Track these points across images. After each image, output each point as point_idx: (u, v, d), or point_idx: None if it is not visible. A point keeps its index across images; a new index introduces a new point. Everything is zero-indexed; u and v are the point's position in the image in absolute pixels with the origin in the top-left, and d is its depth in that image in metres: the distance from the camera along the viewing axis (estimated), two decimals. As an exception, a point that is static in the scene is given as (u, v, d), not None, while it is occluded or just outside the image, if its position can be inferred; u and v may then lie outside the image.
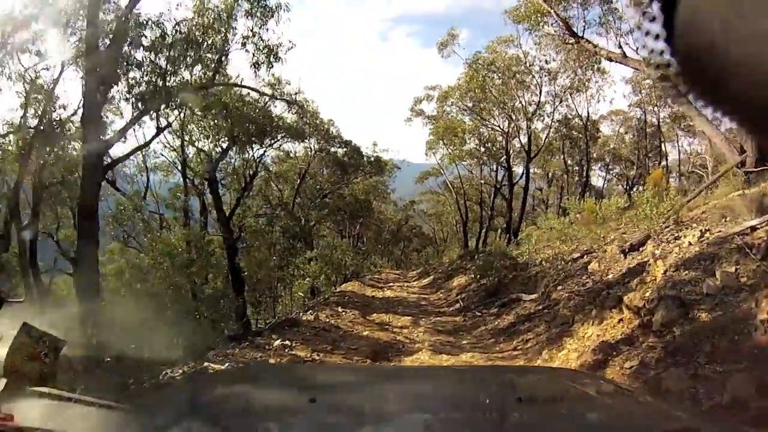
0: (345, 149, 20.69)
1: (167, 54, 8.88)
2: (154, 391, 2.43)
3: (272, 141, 16.16)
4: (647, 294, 5.20)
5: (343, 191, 22.66)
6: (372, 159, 22.11)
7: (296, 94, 15.19)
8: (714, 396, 3.43)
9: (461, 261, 18.24)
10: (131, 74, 8.69)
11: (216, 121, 12.82)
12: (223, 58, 10.02)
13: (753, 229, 5.33)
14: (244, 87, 12.03)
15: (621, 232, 8.84)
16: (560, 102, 19.95)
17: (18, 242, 12.03)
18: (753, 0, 0.39)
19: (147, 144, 12.04)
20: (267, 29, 9.94)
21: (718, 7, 0.40)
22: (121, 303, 8.45)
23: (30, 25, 10.29)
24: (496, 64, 18.26)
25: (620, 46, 12.17)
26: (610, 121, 24.05)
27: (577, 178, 23.54)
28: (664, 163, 21.11)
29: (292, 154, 20.67)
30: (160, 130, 10.98)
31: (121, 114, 11.72)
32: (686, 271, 5.20)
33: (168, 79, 9.00)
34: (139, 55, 8.77)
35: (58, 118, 11.32)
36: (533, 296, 8.55)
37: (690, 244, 5.86)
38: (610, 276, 6.84)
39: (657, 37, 0.44)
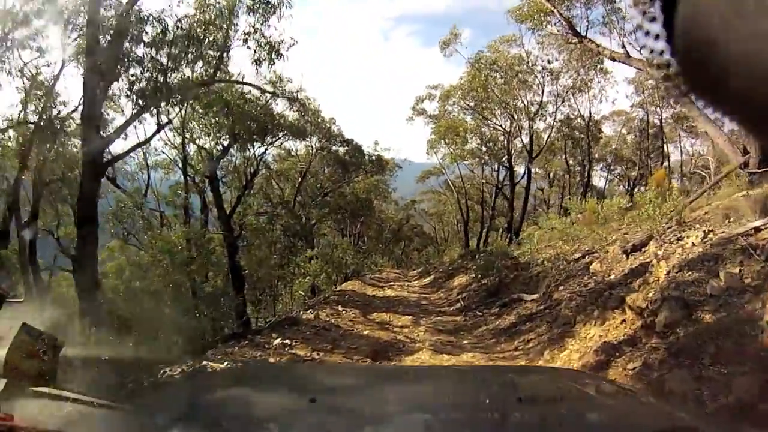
0: (346, 148, 20.63)
1: (168, 50, 8.83)
2: (153, 391, 2.41)
3: (273, 139, 16.12)
4: (650, 295, 5.16)
5: (344, 190, 22.61)
6: (373, 158, 22.04)
7: (298, 92, 15.13)
8: (719, 398, 3.39)
9: (462, 260, 18.22)
10: (132, 71, 8.64)
11: (217, 119, 12.78)
12: (224, 55, 9.97)
13: (757, 230, 5.29)
14: (246, 84, 11.99)
15: (623, 232, 8.80)
16: (562, 102, 19.92)
17: (18, 239, 12.01)
18: (753, 0, 0.38)
19: (147, 141, 12.01)
20: (269, 26, 9.91)
21: (718, 6, 0.40)
22: (121, 301, 8.41)
23: (31, 21, 10.28)
24: (499, 64, 18.20)
25: (623, 46, 12.11)
26: (612, 122, 24.04)
27: (578, 179, 23.51)
28: (666, 163, 21.06)
29: (293, 153, 20.64)
30: (160, 127, 10.92)
31: (122, 111, 11.71)
32: (690, 272, 5.16)
33: (169, 75, 8.95)
34: (140, 51, 8.74)
35: (58, 115, 11.29)
36: (534, 296, 8.51)
37: (693, 244, 5.82)
38: (612, 276, 6.80)
39: (657, 37, 0.44)
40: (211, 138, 13.73)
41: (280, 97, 14.34)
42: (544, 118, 20.05)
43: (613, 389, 2.02)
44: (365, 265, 24.99)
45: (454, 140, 22.10)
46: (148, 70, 8.65)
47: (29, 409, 1.30)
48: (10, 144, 11.68)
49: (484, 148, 21.78)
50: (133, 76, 8.68)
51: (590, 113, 20.79)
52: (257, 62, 9.88)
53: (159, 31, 8.69)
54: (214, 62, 9.86)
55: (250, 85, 12.18)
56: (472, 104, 20.24)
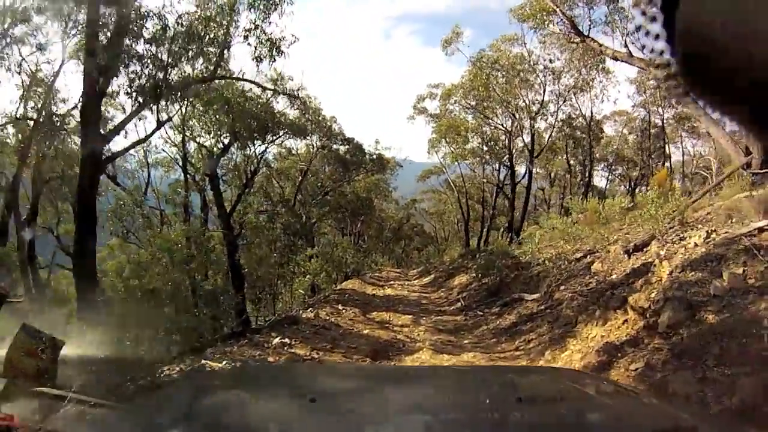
0: (347, 147, 20.59)
1: (169, 47, 8.79)
2: (151, 391, 2.39)
3: (274, 137, 16.06)
4: (653, 295, 5.13)
5: (345, 189, 22.56)
6: (374, 157, 21.99)
7: (299, 90, 15.09)
8: (722, 399, 3.35)
9: (462, 260, 18.19)
10: (132, 67, 8.60)
11: (218, 117, 12.73)
12: (224, 52, 9.92)
13: (761, 230, 5.25)
14: (246, 81, 11.94)
15: (624, 232, 8.76)
16: (564, 101, 19.85)
17: (17, 237, 11.98)
18: (753, 0, 0.38)
19: (147, 138, 11.96)
20: (269, 22, 9.86)
21: (718, 7, 0.40)
22: (120, 299, 8.38)
23: (31, 17, 10.24)
24: (500, 63, 18.15)
25: (626, 45, 12.07)
26: (614, 122, 23.98)
27: (579, 178, 23.46)
28: (667, 164, 21.00)
29: (294, 151, 20.60)
30: (160, 125, 10.89)
31: (123, 109, 11.67)
32: (692, 272, 5.12)
33: (169, 72, 8.90)
34: (140, 48, 8.69)
35: (56, 112, 11.25)
36: (535, 296, 8.48)
37: (696, 245, 5.78)
38: (614, 276, 6.77)
39: (657, 37, 0.44)
40: (211, 136, 13.69)
41: (281, 94, 14.28)
42: (545, 117, 20.00)
43: (614, 389, 2.01)
44: (365, 264, 24.95)
45: (455, 139, 22.05)
46: (147, 67, 8.61)
47: (30, 409, 1.31)
48: (9, 141, 11.65)
49: (485, 148, 21.74)
50: (133, 73, 8.65)
51: (592, 113, 20.76)
52: (258, 59, 9.84)
53: (159, 27, 8.65)
54: (215, 59, 9.81)
55: (251, 82, 12.14)
56: (473, 103, 20.19)
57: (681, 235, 6.36)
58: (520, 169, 21.46)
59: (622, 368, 4.28)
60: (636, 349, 4.48)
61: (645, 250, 6.81)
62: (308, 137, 18.59)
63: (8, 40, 10.01)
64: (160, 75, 8.71)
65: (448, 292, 13.90)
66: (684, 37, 0.42)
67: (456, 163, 24.55)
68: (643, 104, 21.50)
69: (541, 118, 19.81)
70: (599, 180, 24.97)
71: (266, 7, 9.60)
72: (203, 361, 5.13)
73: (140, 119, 12.27)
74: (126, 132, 11.74)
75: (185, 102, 11.46)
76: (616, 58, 12.25)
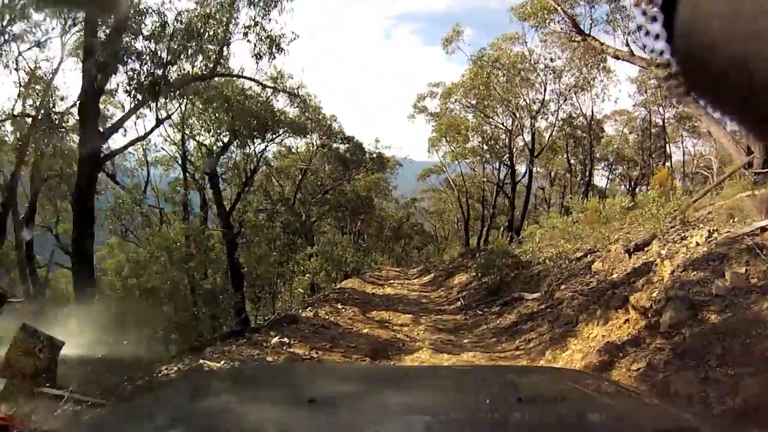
0: (347, 145, 20.55)
1: (168, 44, 8.74)
2: (148, 391, 2.37)
3: (274, 136, 16.01)
4: (654, 294, 5.10)
5: (345, 187, 22.51)
6: (374, 155, 21.96)
7: (298, 88, 15.05)
8: (725, 400, 3.32)
9: (462, 259, 18.17)
10: (130, 65, 8.55)
11: (217, 115, 12.69)
12: (224, 49, 9.87)
13: (763, 229, 5.22)
14: (245, 78, 11.90)
15: (625, 231, 8.73)
16: (565, 100, 19.80)
17: (15, 235, 11.94)
18: (753, 0, 0.38)
19: (146, 136, 11.94)
20: (269, 19, 9.82)
21: (718, 7, 0.40)
22: (118, 298, 8.35)
23: (29, 14, 10.20)
24: (501, 61, 18.10)
25: (627, 44, 12.02)
26: (614, 121, 23.93)
27: (579, 178, 23.42)
28: (668, 164, 20.97)
29: (293, 150, 20.55)
30: (159, 122, 10.85)
31: (122, 107, 11.63)
32: (694, 272, 5.10)
33: (168, 70, 8.86)
34: (139, 45, 8.65)
35: (53, 108, 11.20)
36: (536, 295, 8.45)
37: (698, 244, 5.75)
38: (615, 276, 6.73)
39: (657, 37, 0.44)
40: (211, 134, 13.63)
41: (280, 91, 14.24)
42: (546, 116, 19.94)
43: (615, 390, 1.99)
44: (365, 263, 24.93)
45: (456, 138, 22.01)
46: (146, 64, 8.56)
47: (30, 409, 1.34)
48: (7, 138, 11.61)
49: (485, 147, 21.68)
50: (131, 70, 8.60)
51: (592, 112, 20.71)
52: (257, 56, 9.79)
53: (158, 24, 8.61)
54: (214, 57, 9.76)
55: (251, 79, 12.10)
56: (473, 102, 20.13)
57: (682, 235, 6.33)
58: (521, 168, 21.44)
59: (624, 368, 4.25)
60: (638, 349, 4.45)
61: (646, 249, 6.78)
62: (308, 136, 18.57)
63: (6, 37, 9.96)
64: (159, 72, 8.66)
65: (448, 291, 13.87)
66: (684, 37, 0.42)
67: (456, 162, 24.53)
68: (644, 103, 21.46)
69: (541, 117, 19.78)
70: (599, 179, 24.97)
71: (266, 4, 9.56)
72: (201, 361, 5.10)
73: (139, 117, 12.27)
74: (125, 130, 11.74)
75: (184, 100, 11.42)
76: (617, 57, 12.21)
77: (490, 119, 20.66)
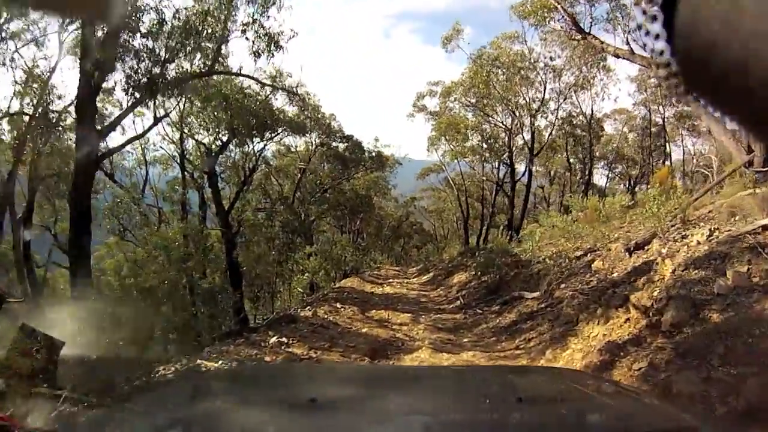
0: (346, 144, 20.52)
1: (166, 42, 8.69)
2: (146, 391, 2.36)
3: (273, 135, 15.97)
4: (655, 293, 5.07)
5: (344, 186, 22.49)
6: (373, 154, 21.93)
7: (297, 86, 15.02)
8: (728, 400, 3.29)
9: (462, 258, 18.16)
10: (127, 61, 8.49)
11: (216, 113, 12.65)
12: (222, 47, 9.83)
13: (765, 228, 5.20)
14: (243, 76, 11.85)
15: (625, 230, 8.72)
16: (564, 99, 19.77)
17: (12, 235, 11.89)
18: (753, 0, 0.38)
19: (143, 134, 11.90)
20: (268, 17, 9.77)
21: (718, 6, 0.40)
22: (116, 298, 8.32)
23: (27, 12, 10.14)
24: (501, 60, 18.05)
25: (627, 43, 11.98)
26: (614, 120, 23.91)
27: (579, 177, 23.39)
28: (667, 162, 20.95)
29: (292, 149, 20.52)
30: (156, 120, 10.81)
31: (121, 106, 11.57)
32: (696, 271, 5.07)
33: (166, 67, 8.82)
34: (137, 42, 8.59)
35: (53, 108, 11.15)
36: (536, 294, 8.41)
37: (699, 242, 5.72)
38: (615, 274, 6.70)
39: (657, 36, 0.44)
40: (209, 133, 13.62)
41: (279, 89, 14.19)
42: (545, 115, 19.90)
43: (615, 390, 2.01)
44: (364, 262, 24.93)
45: (455, 137, 21.96)
46: (143, 62, 8.51)
47: (29, 409, 1.31)
48: (4, 137, 11.57)
49: (484, 145, 21.63)
50: (129, 68, 8.55)
51: (592, 111, 20.69)
52: (256, 54, 9.73)
53: (156, 21, 8.56)
54: (212, 54, 9.71)
55: (249, 77, 12.07)
56: (473, 101, 20.09)
57: (683, 233, 6.30)
58: (520, 167, 21.41)
59: (625, 368, 4.22)
60: (639, 349, 4.42)
61: (646, 248, 6.75)
62: (307, 134, 18.53)
63: (3, 34, 9.90)
64: (157, 70, 8.61)
65: (448, 290, 13.84)
66: (684, 37, 0.42)
67: (455, 160, 24.48)
68: (643, 102, 21.45)
69: (541, 116, 19.75)
70: (599, 178, 24.95)
71: (264, 1, 9.50)
72: (199, 361, 5.06)
73: (138, 116, 12.25)
74: (124, 129, 11.70)
75: (183, 98, 11.37)
76: (617, 56, 12.18)
77: (490, 118, 20.63)
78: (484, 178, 24.77)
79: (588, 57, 17.16)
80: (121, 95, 9.35)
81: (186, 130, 13.85)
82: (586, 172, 21.97)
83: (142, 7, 8.43)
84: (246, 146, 15.41)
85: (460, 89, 20.19)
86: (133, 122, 18.25)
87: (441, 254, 27.34)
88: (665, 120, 21.07)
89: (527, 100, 19.16)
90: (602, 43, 12.67)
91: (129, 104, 8.95)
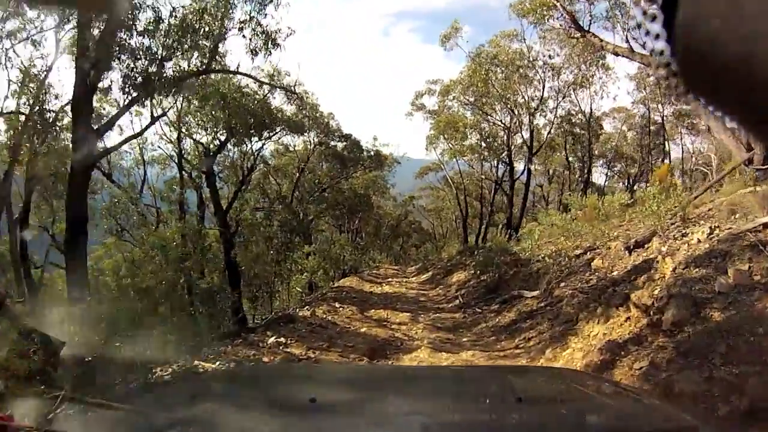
0: (345, 143, 20.48)
1: (162, 40, 8.64)
2: (142, 393, 2.34)
3: (271, 134, 15.92)
4: (656, 292, 5.04)
5: (343, 185, 22.46)
6: (372, 153, 21.90)
7: (295, 85, 14.97)
8: (731, 399, 3.26)
9: (461, 257, 18.15)
10: (124, 59, 8.43)
11: (213, 112, 12.59)
12: (219, 45, 9.77)
13: (766, 226, 5.17)
14: (241, 74, 11.79)
15: (624, 228, 8.70)
16: (563, 98, 19.73)
17: (9, 235, 11.82)
18: (753, 0, 0.38)
19: (140, 133, 11.83)
20: (265, 14, 9.71)
21: (718, 6, 0.40)
22: (113, 298, 8.27)
23: (24, 11, 10.07)
24: (500, 58, 18.02)
25: (627, 41, 11.95)
26: (613, 119, 23.88)
27: (578, 175, 23.37)
28: (666, 161, 20.92)
29: (291, 148, 20.46)
30: (154, 120, 10.74)
31: (119, 105, 11.50)
32: (696, 269, 5.04)
33: (163, 66, 8.76)
34: (133, 40, 8.53)
35: (50, 108, 11.08)
36: (535, 293, 8.39)
37: (699, 241, 5.69)
38: (615, 273, 6.68)
39: (657, 36, 0.43)
40: (207, 132, 13.55)
41: (277, 88, 14.14)
42: (544, 113, 19.89)
43: (615, 390, 2.01)
44: (363, 262, 24.92)
45: (454, 136, 21.93)
46: (139, 59, 8.45)
47: (29, 409, 1.33)
48: (0, 136, 11.50)
49: (483, 144, 21.60)
50: (126, 67, 8.49)
51: (591, 109, 20.64)
52: (253, 52, 9.68)
53: (153, 19, 8.50)
54: (209, 53, 9.66)
55: (246, 75, 12.00)
56: (472, 99, 20.06)
57: (683, 231, 6.28)
58: (519, 166, 21.41)
59: (626, 367, 4.18)
60: (640, 348, 4.39)
61: (646, 246, 6.73)
62: (305, 134, 18.47)
63: (-1, 34, 9.84)
64: (153, 69, 8.56)
65: (447, 289, 13.82)
66: (684, 37, 0.42)
67: (454, 159, 24.42)
68: (642, 101, 21.41)
69: (540, 115, 19.74)
70: (598, 177, 24.91)
71: (262, -1, 9.45)
72: (196, 362, 5.02)
73: (137, 116, 12.18)
74: (122, 129, 11.64)
75: (180, 97, 11.31)
76: (617, 54, 12.14)
77: (489, 116, 20.60)
78: (483, 176, 24.75)
79: (587, 55, 17.13)
80: (118, 94, 9.28)
81: (184, 130, 13.78)
82: (585, 171, 21.94)
83: (139, 5, 8.37)
84: (244, 145, 15.33)
85: (458, 88, 20.18)
86: (131, 122, 18.26)
87: (440, 253, 27.33)
88: (664, 118, 21.04)
89: (526, 98, 19.15)
90: (601, 41, 12.63)
91: (125, 103, 8.89)
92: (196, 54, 9.58)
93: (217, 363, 4.95)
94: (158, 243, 9.14)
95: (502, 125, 20.45)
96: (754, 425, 3.11)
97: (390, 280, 18.79)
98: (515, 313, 8.15)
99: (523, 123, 19.73)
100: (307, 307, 10.48)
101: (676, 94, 0.45)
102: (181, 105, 12.65)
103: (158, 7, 8.57)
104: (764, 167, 7.66)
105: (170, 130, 14.02)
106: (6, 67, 10.32)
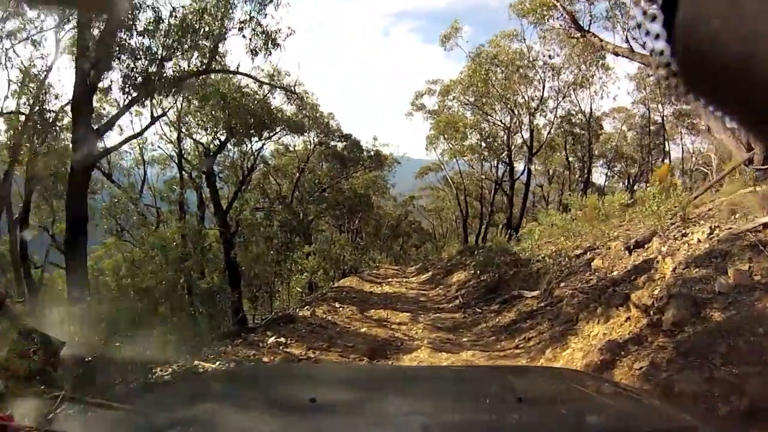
0: (345, 143, 20.48)
1: (162, 40, 8.64)
2: (142, 393, 2.35)
3: (271, 134, 15.91)
4: (656, 292, 5.03)
5: (343, 185, 22.45)
6: (372, 153, 21.89)
7: (295, 85, 14.97)
8: (731, 400, 3.26)
9: (461, 257, 18.14)
10: (124, 59, 8.42)
11: (213, 112, 12.59)
12: (219, 45, 9.77)
13: (766, 225, 5.17)
14: (240, 74, 11.78)
15: (624, 228, 8.69)
16: (563, 98, 19.72)
17: (10, 235, 11.82)
18: (753, 0, 0.38)
19: (140, 133, 11.83)
20: (265, 14, 9.70)
21: (718, 6, 0.40)
22: (113, 298, 8.27)
23: (24, 11, 10.07)
24: (500, 58, 18.02)
25: (627, 41, 11.95)
26: (613, 119, 23.87)
27: (578, 175, 23.36)
28: (666, 161, 20.91)
29: (291, 148, 20.46)
30: (154, 120, 10.74)
31: (118, 105, 11.50)
32: (697, 269, 5.04)
33: (163, 66, 8.76)
34: (133, 40, 8.53)
35: (50, 108, 11.08)
36: (535, 293, 8.39)
37: (699, 241, 5.69)
38: (615, 273, 6.68)
39: (657, 36, 0.44)
40: (207, 132, 13.56)
41: (277, 88, 14.14)
42: (544, 113, 19.88)
43: (615, 390, 2.01)
44: (363, 262, 24.92)
45: (454, 136, 21.93)
46: (138, 59, 8.44)
47: (29, 409, 1.34)
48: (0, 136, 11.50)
49: (483, 144, 21.60)
50: (126, 67, 8.49)
51: (591, 109, 20.63)
52: (253, 52, 9.67)
53: (153, 19, 8.50)
54: (209, 53, 9.65)
55: (245, 75, 12.00)
56: (472, 99, 20.06)
57: (683, 231, 6.28)
58: (519, 166, 21.40)
59: (626, 367, 4.18)
60: (640, 348, 4.38)
61: (646, 246, 6.73)
62: (305, 134, 18.47)
63: (-1, 34, 9.83)
64: (153, 69, 8.56)
65: (447, 289, 13.82)
66: (684, 36, 0.42)
67: (454, 159, 24.42)
68: (642, 101, 21.39)
69: (540, 115, 19.73)
70: (598, 177, 24.90)
71: (262, -1, 9.44)
72: (196, 362, 5.02)
73: (137, 116, 12.18)
74: (122, 129, 11.64)
75: (180, 97, 11.32)
76: (617, 54, 12.14)
77: (489, 116, 20.60)
78: (483, 176, 24.75)
79: (587, 55, 17.12)
80: (118, 94, 9.28)
81: (184, 130, 13.79)
82: (585, 171, 21.93)
83: (139, 5, 8.37)
84: (244, 145, 15.34)
85: (458, 88, 20.17)
86: (131, 122, 18.24)
87: (440, 253, 27.32)
88: (664, 118, 21.03)
89: (526, 98, 19.14)
90: (601, 41, 12.63)
91: (125, 103, 8.89)
92: (196, 54, 9.59)
93: (217, 363, 4.95)
94: (158, 243, 9.15)
95: (502, 125, 20.46)
96: (755, 425, 3.11)
97: (390, 280, 18.78)
98: (515, 313, 8.15)
99: (523, 123, 19.74)
100: (307, 307, 10.48)
101: (676, 94, 0.46)
102: (181, 105, 12.65)
103: (158, 7, 8.58)
104: (764, 167, 7.66)
105: (170, 130, 14.04)
106: (6, 67, 10.31)
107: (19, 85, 10.96)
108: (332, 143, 20.29)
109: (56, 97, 11.19)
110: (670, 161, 20.70)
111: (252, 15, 9.57)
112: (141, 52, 8.47)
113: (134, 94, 8.60)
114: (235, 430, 1.30)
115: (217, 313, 9.24)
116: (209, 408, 1.50)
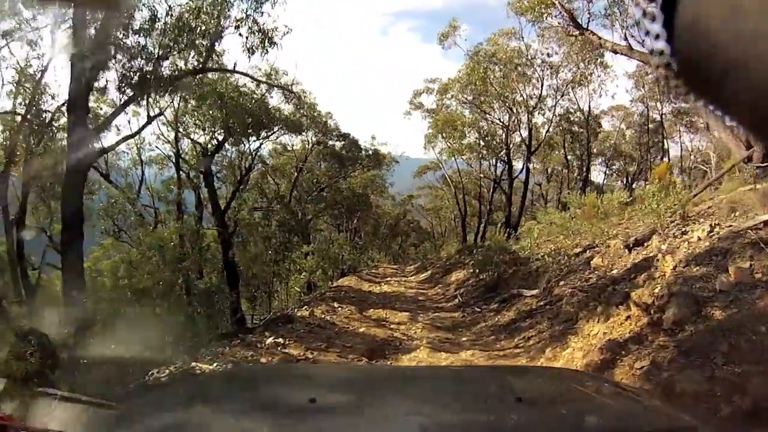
0: (343, 142, 20.45)
1: (158, 39, 8.59)
2: (139, 394, 2.33)
3: (269, 133, 15.88)
4: (656, 290, 5.00)
5: (341, 185, 22.42)
6: (370, 152, 21.88)
7: (293, 84, 14.94)
8: (733, 399, 3.23)
9: (459, 256, 18.12)
10: (120, 58, 8.38)
11: (211, 112, 12.55)
12: (216, 44, 9.73)
13: (766, 223, 5.14)
14: (237, 73, 11.75)
15: (624, 227, 8.68)
16: (562, 96, 19.72)
17: (6, 236, 11.76)
18: (753, 0, 0.38)
19: (137, 133, 11.81)
20: (262, 12, 9.67)
21: (719, 6, 0.39)
22: (110, 299, 8.23)
23: (20, 11, 10.02)
24: (498, 56, 18.00)
25: (626, 39, 11.93)
26: (611, 117, 23.85)
27: (576, 174, 23.35)
28: (665, 158, 20.92)
29: (289, 148, 20.41)
30: (150, 119, 10.71)
31: (115, 105, 11.44)
32: (697, 267, 5.02)
33: (160, 64, 8.72)
34: (129, 39, 8.49)
35: (46, 108, 11.03)
36: (534, 292, 8.36)
37: (699, 238, 5.67)
38: (615, 271, 6.66)
39: (657, 36, 0.43)
40: (205, 132, 13.53)
41: (275, 87, 14.10)
42: (543, 112, 19.89)
43: (615, 390, 2.00)
44: (362, 261, 24.89)
45: (452, 134, 21.89)
46: (135, 58, 8.40)
47: (29, 409, 1.32)
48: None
49: (482, 143, 21.58)
50: (123, 66, 8.45)
51: (590, 107, 20.62)
52: (250, 50, 9.63)
53: (149, 18, 8.46)
54: (205, 52, 9.61)
55: (242, 73, 11.99)
56: (470, 98, 20.04)
57: (683, 230, 6.26)
58: (518, 164, 21.36)
59: (627, 366, 4.15)
60: (640, 347, 4.35)
61: (646, 244, 6.71)
62: (303, 133, 18.43)
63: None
64: (150, 67, 8.51)
65: (446, 288, 13.80)
66: (684, 36, 0.42)
67: (453, 158, 24.38)
68: (641, 99, 21.38)
69: (538, 113, 19.73)
70: (597, 175, 24.88)
71: (258, -3, 9.40)
72: (193, 363, 4.98)
73: (134, 116, 12.14)
74: (119, 129, 11.60)
75: (177, 96, 11.27)
76: (615, 51, 12.13)
77: (487, 115, 20.57)
78: (482, 175, 24.71)
79: (585, 53, 17.11)
80: (114, 94, 9.23)
81: (181, 130, 13.75)
82: (584, 169, 21.92)
83: (135, 4, 8.32)
84: (242, 145, 15.31)
85: (456, 86, 20.15)
86: (128, 122, 18.13)
87: (439, 252, 27.30)
88: (663, 116, 21.02)
89: (524, 96, 19.13)
90: (600, 38, 12.62)
91: (122, 102, 8.84)
92: (192, 53, 9.55)
93: (215, 364, 4.91)
94: (156, 243, 9.11)
95: (501, 124, 20.43)
96: (757, 425, 3.09)
97: (389, 279, 18.75)
98: (514, 312, 8.11)
99: (522, 121, 19.73)
100: (305, 307, 10.44)
101: (676, 93, 0.45)
102: (178, 104, 12.62)
103: (154, 6, 8.53)
104: (764, 165, 7.65)
105: (167, 130, 14.00)
106: (1, 67, 10.25)
107: (15, 84, 10.91)
108: (330, 142, 20.28)
109: (52, 97, 11.17)
110: (668, 159, 20.71)
111: (248, 13, 9.54)
112: (137, 51, 8.42)
113: (130, 94, 8.56)
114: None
115: (215, 313, 9.20)
116: (207, 409, 1.49)
